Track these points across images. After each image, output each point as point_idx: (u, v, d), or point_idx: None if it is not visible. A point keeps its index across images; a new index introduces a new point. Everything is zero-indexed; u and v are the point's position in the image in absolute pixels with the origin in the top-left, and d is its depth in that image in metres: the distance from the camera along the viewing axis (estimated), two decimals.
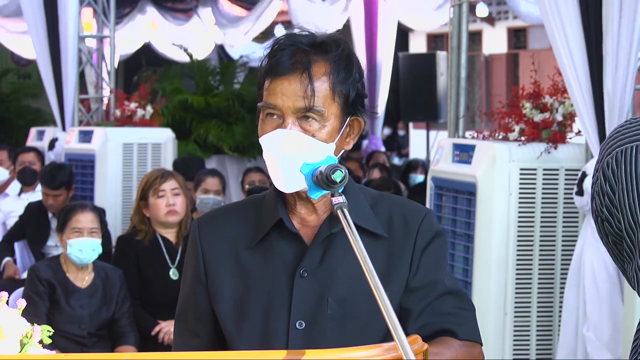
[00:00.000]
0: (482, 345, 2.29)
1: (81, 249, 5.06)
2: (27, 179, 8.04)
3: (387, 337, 2.19)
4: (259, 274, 2.25)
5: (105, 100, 9.39)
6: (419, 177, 9.70)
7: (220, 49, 14.23)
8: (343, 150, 2.25)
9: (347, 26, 11.58)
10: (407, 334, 2.19)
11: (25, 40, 10.86)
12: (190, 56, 12.26)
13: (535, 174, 5.05)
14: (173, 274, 5.45)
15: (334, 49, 2.20)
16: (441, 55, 10.90)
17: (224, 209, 2.41)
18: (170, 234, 5.53)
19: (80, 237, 5.09)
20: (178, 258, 5.48)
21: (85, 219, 5.15)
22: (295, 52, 2.18)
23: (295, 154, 2.14)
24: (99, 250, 5.14)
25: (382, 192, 2.35)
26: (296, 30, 2.27)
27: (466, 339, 2.24)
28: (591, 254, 4.72)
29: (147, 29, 14.22)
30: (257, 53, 13.73)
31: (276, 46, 2.21)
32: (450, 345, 2.21)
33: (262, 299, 2.23)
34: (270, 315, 2.21)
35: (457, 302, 2.27)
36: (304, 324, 2.20)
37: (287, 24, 12.80)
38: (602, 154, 2.20)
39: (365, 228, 2.23)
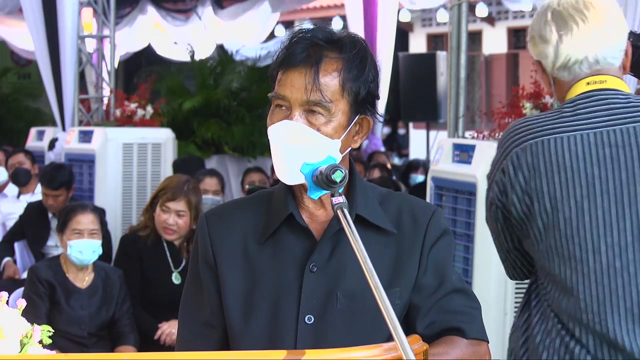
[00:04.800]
0: (488, 342, 2.31)
1: (81, 250, 5.06)
2: (21, 179, 8.05)
3: None
4: (268, 268, 2.24)
5: (105, 100, 9.39)
6: (419, 177, 9.70)
7: (220, 49, 14.22)
8: (350, 148, 2.25)
9: (345, 27, 11.57)
10: (415, 331, 2.21)
11: (27, 38, 10.85)
12: (192, 56, 12.24)
13: None
14: (175, 277, 5.42)
15: (349, 48, 2.21)
16: (441, 55, 10.89)
17: (232, 204, 2.40)
18: (174, 239, 5.50)
19: (81, 238, 5.08)
20: (183, 264, 5.44)
21: (85, 220, 5.15)
22: (309, 45, 2.19)
23: (298, 146, 2.14)
24: (99, 251, 5.14)
25: (389, 189, 2.36)
26: (316, 25, 2.28)
27: (474, 337, 2.26)
28: None
29: (148, 29, 14.20)
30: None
31: (294, 39, 2.22)
32: (457, 345, 2.23)
33: (270, 293, 2.23)
34: (279, 309, 2.21)
35: (465, 300, 2.29)
36: (312, 319, 2.20)
37: (287, 24, 12.78)
38: (506, 147, 2.56)
39: (375, 224, 2.25)
